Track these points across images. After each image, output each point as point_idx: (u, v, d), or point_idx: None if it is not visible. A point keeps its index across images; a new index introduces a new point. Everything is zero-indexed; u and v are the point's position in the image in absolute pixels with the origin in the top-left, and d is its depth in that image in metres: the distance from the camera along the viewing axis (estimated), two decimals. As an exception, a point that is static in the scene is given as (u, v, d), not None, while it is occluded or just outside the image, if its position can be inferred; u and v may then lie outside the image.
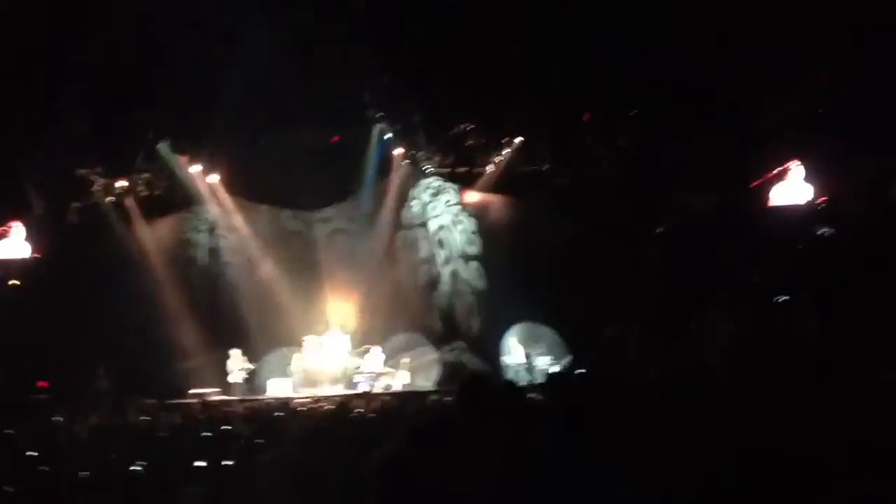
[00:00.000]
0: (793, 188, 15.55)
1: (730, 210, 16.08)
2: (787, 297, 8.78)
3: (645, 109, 17.04)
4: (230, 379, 18.98)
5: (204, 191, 20.15)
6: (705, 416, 2.22)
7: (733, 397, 2.23)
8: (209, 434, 10.67)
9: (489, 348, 18.80)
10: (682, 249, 15.31)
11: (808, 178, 15.23)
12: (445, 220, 20.35)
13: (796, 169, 15.41)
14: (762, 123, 15.05)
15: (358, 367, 19.05)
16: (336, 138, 19.46)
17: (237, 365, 18.94)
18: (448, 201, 20.34)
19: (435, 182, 20.38)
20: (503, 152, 19.44)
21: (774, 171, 15.78)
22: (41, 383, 18.45)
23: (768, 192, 15.81)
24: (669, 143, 16.65)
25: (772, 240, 14.55)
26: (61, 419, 14.23)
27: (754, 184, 15.96)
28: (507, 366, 18.35)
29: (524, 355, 18.37)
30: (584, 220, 17.64)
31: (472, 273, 19.98)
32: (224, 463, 7.59)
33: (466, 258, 20.08)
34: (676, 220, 16.46)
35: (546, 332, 18.43)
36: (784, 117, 14.74)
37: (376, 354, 19.10)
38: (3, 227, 18.51)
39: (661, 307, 14.99)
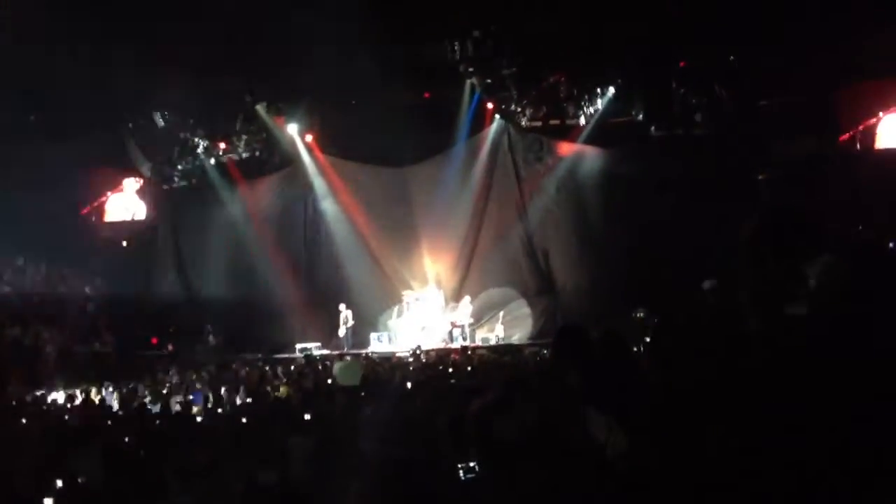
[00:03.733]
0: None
1: (834, 156, 15.57)
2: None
3: (741, 57, 16.56)
4: (337, 334, 19.48)
5: (301, 150, 20.54)
6: (815, 371, 2.19)
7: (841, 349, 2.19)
8: (314, 387, 11.05)
9: (583, 302, 18.68)
10: (784, 199, 14.87)
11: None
12: (537, 173, 20.19)
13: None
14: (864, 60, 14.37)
15: (455, 322, 19.27)
16: (428, 95, 19.48)
17: (341, 320, 19.41)
18: (540, 154, 20.14)
19: (528, 135, 20.19)
20: (596, 103, 19.10)
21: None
22: (153, 340, 19.34)
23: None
24: (768, 90, 16.16)
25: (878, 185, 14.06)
26: (175, 374, 14.96)
27: (861, 126, 15.40)
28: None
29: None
30: (679, 170, 17.23)
31: (565, 226, 19.80)
32: (329, 416, 7.87)
33: (559, 211, 19.89)
34: (776, 170, 15.99)
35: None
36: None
37: (465, 306, 19.28)
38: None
39: (761, 259, 14.61)
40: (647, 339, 3.46)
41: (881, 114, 15.54)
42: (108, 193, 19.90)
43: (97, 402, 11.70)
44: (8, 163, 16.93)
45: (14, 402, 11.74)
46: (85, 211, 19.51)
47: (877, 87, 15.43)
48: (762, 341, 2.52)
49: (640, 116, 18.78)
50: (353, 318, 19.61)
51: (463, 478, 2.73)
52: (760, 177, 17.08)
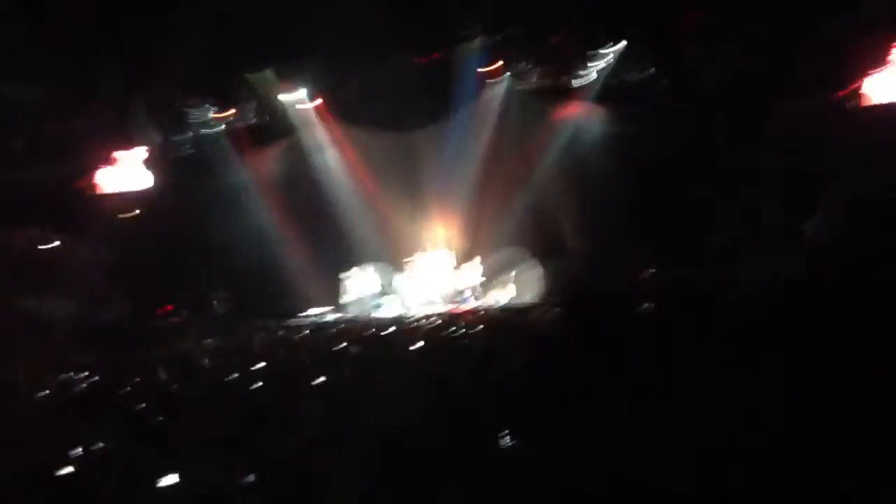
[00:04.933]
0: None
1: (835, 113, 15.44)
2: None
3: (746, 13, 16.38)
4: (345, 299, 19.57)
5: (306, 118, 20.46)
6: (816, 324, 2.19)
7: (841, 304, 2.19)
8: (326, 352, 11.09)
9: (595, 261, 18.68)
10: (789, 161, 14.79)
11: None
12: (546, 133, 20.10)
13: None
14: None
15: (466, 283, 19.32)
16: (434, 55, 19.31)
17: (352, 285, 19.49)
18: (548, 114, 20.03)
19: (535, 95, 20.06)
20: (603, 61, 18.92)
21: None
22: (168, 307, 19.43)
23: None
24: (774, 47, 15.98)
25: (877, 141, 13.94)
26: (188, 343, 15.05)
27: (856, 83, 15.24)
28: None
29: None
30: (686, 129, 17.13)
31: (575, 186, 19.75)
32: (341, 380, 7.90)
33: (569, 171, 19.83)
34: (782, 129, 15.87)
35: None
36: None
37: (476, 266, 19.33)
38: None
39: (767, 217, 14.58)
40: (654, 300, 3.46)
41: (872, 71, 15.43)
42: (110, 163, 19.80)
43: (111, 370, 11.77)
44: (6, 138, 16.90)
45: (29, 374, 11.83)
46: (87, 183, 19.43)
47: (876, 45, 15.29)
48: (768, 296, 2.53)
49: (651, 72, 18.64)
50: (363, 283, 19.70)
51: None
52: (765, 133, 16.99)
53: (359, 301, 19.53)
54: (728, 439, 2.28)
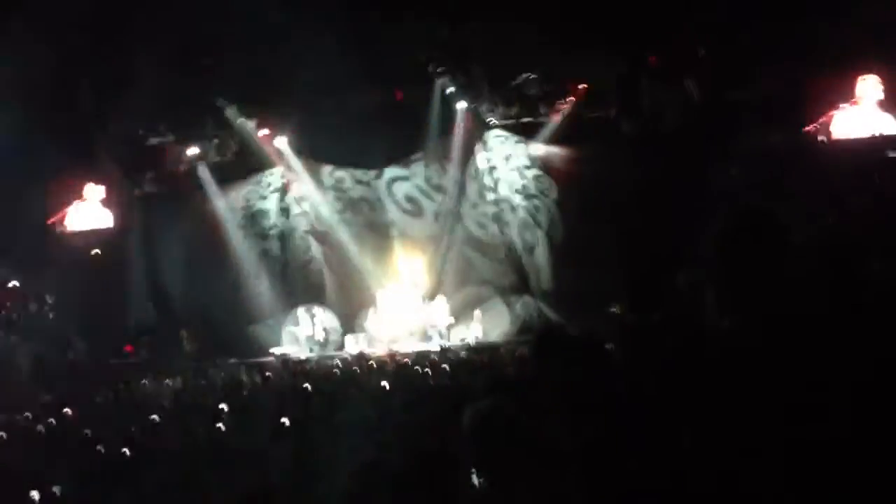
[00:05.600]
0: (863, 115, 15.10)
1: (801, 149, 15.71)
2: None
3: (712, 52, 16.70)
4: (308, 338, 19.43)
5: (272, 153, 20.45)
6: (796, 366, 2.20)
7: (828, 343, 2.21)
8: (290, 391, 11.00)
9: (559, 300, 18.78)
10: (754, 195, 14.98)
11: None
12: (511, 172, 20.26)
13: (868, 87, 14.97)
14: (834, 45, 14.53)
15: (431, 322, 19.28)
16: (400, 96, 19.45)
17: (315, 323, 19.38)
18: (513, 153, 20.21)
19: (499, 134, 20.23)
20: (567, 100, 19.14)
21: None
22: (128, 348, 19.17)
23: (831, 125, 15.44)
24: (738, 84, 16.28)
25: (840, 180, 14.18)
26: (146, 383, 14.83)
27: (822, 119, 15.54)
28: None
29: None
30: (651, 166, 17.33)
31: (539, 225, 19.90)
32: (306, 419, 7.84)
33: (534, 210, 19.99)
34: (746, 164, 16.12)
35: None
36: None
37: (441, 304, 19.30)
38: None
39: (734, 255, 14.70)
40: (622, 337, 3.47)
41: (842, 105, 15.78)
42: (73, 202, 19.53)
43: (72, 412, 11.57)
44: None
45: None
46: (50, 221, 19.16)
47: (840, 80, 15.63)
48: (734, 339, 2.54)
49: (612, 113, 18.86)
50: (329, 320, 19.61)
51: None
52: (731, 171, 17.22)
53: (326, 339, 19.44)
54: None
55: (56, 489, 5.87)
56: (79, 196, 19.26)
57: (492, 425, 2.62)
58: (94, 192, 19.38)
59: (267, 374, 13.84)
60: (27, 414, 12.49)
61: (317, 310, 19.69)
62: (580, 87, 18.72)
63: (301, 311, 19.83)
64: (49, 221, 18.95)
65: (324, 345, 19.39)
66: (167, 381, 14.69)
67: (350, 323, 20.05)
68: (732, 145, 16.64)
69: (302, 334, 19.61)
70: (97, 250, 19.34)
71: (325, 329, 19.51)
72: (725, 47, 16.15)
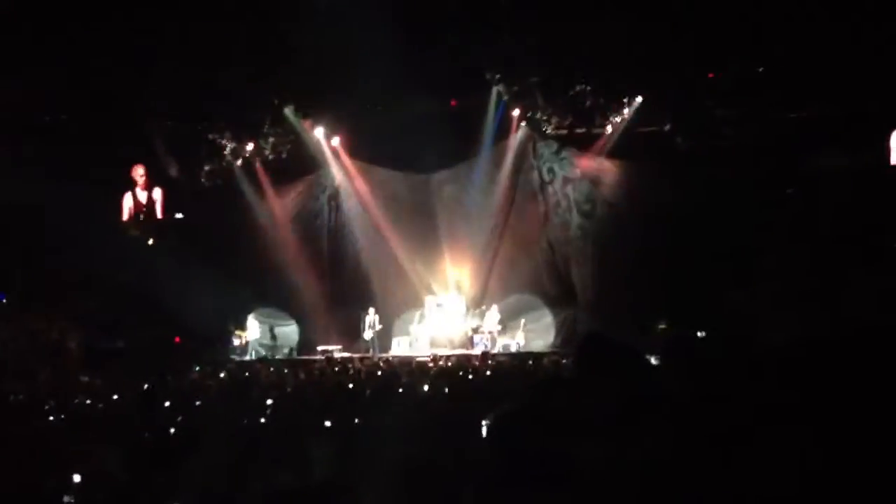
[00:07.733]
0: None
1: (865, 170, 15.40)
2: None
3: (769, 69, 16.47)
4: (363, 337, 19.61)
5: (327, 153, 20.64)
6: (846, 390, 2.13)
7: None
8: (334, 389, 11.04)
9: (605, 314, 18.64)
10: (814, 212, 14.71)
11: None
12: (563, 183, 20.17)
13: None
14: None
15: (477, 328, 19.30)
16: (455, 102, 19.50)
17: (368, 324, 19.54)
18: (565, 164, 20.12)
19: (553, 144, 20.16)
20: (622, 113, 19.01)
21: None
22: (177, 339, 19.44)
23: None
24: (798, 104, 16.05)
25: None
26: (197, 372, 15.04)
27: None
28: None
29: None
30: (705, 183, 17.11)
31: (588, 237, 19.78)
32: (349, 419, 7.87)
33: (583, 221, 19.88)
34: (806, 184, 15.85)
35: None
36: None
37: (493, 313, 19.32)
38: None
39: (791, 271, 14.45)
40: (666, 353, 3.44)
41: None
42: (131, 193, 19.91)
43: (120, 398, 11.77)
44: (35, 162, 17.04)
45: (40, 397, 11.83)
46: (110, 208, 19.54)
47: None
48: (783, 360, 2.47)
49: (667, 127, 18.65)
50: (378, 322, 19.76)
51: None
52: (788, 190, 16.95)
53: (374, 340, 19.60)
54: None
55: (100, 475, 5.96)
56: (133, 184, 19.66)
57: (508, 430, 2.61)
58: (140, 175, 19.71)
59: (313, 371, 13.93)
60: (76, 400, 12.76)
61: (367, 311, 19.85)
62: (636, 100, 18.59)
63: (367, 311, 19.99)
64: (110, 207, 19.34)
65: (373, 346, 19.54)
66: (217, 372, 14.88)
67: (399, 326, 20.18)
68: (791, 165, 16.40)
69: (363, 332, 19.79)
70: (152, 241, 19.68)
71: (373, 330, 19.65)
72: (786, 66, 15.90)
